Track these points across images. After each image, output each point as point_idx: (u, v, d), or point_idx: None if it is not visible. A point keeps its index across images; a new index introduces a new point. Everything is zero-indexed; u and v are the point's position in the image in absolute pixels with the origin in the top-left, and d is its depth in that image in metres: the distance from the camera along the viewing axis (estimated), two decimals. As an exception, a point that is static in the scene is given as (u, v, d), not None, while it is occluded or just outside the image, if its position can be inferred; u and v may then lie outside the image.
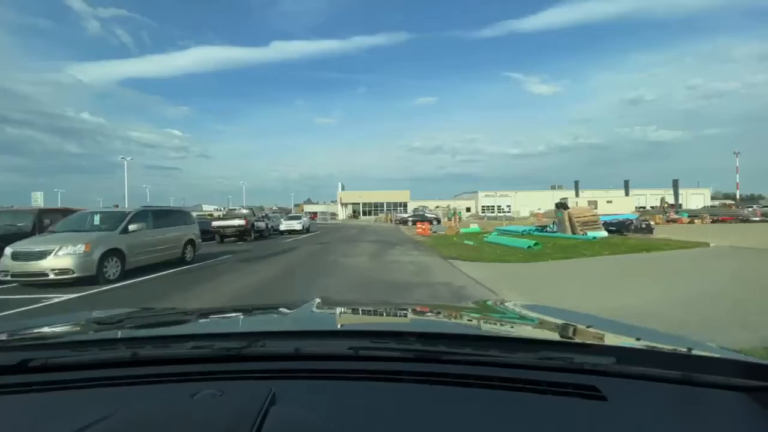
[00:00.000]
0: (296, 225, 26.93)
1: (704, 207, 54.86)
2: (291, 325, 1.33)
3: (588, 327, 1.19)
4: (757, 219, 31.95)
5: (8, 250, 7.62)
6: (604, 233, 14.32)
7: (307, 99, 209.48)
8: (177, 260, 10.66)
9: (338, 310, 1.66)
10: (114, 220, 9.02)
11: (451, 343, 0.89)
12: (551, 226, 19.64)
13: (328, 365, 0.81)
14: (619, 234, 16.45)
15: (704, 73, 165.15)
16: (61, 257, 7.50)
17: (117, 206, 16.12)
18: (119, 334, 1.19)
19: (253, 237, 20.95)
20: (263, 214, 24.65)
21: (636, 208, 51.89)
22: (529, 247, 12.42)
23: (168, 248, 10.25)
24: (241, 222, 20.05)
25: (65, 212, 11.03)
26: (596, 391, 0.69)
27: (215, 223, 20.40)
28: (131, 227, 8.86)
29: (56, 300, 6.59)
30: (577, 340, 1.08)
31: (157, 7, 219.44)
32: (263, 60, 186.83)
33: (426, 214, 45.14)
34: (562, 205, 17.25)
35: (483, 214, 62.68)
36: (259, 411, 0.59)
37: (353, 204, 69.30)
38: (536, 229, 19.44)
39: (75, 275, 7.50)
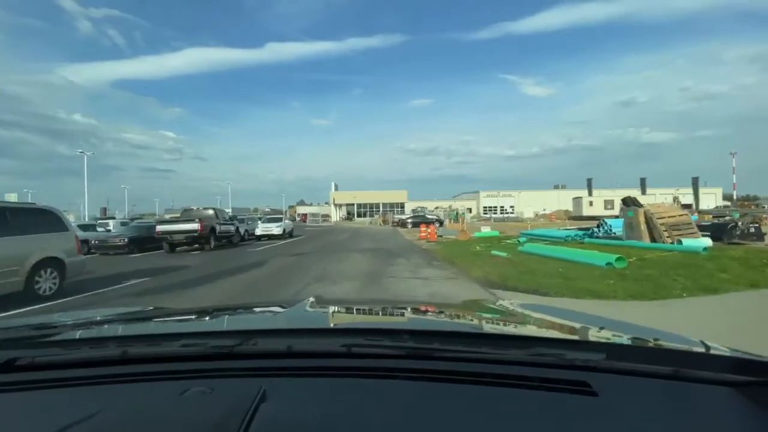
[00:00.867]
0: (275, 229, 22.32)
1: (716, 207, 51.15)
2: (284, 323, 1.32)
3: (579, 324, 1.18)
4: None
5: None
6: (706, 241, 9.86)
7: (302, 101, 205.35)
8: (18, 295, 6.13)
9: (332, 308, 1.60)
10: None
11: (444, 340, 0.89)
12: (597, 229, 15.23)
13: (321, 363, 0.80)
14: (718, 242, 11.00)
15: (696, 76, 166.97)
16: None
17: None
18: (109, 332, 1.19)
19: (214, 245, 16.38)
20: (232, 216, 19.97)
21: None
22: (608, 264, 7.98)
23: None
24: (194, 226, 15.44)
25: None
26: (587, 387, 0.68)
27: (160, 228, 15.77)
28: None
29: None
30: (569, 336, 1.08)
31: (149, 7, 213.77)
32: (258, 61, 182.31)
33: (427, 216, 40.79)
34: (632, 202, 12.68)
35: (485, 215, 58.66)
36: (248, 408, 0.59)
37: (347, 205, 64.42)
38: (585, 233, 14.99)
39: None
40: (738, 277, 6.51)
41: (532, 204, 64.93)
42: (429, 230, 19.16)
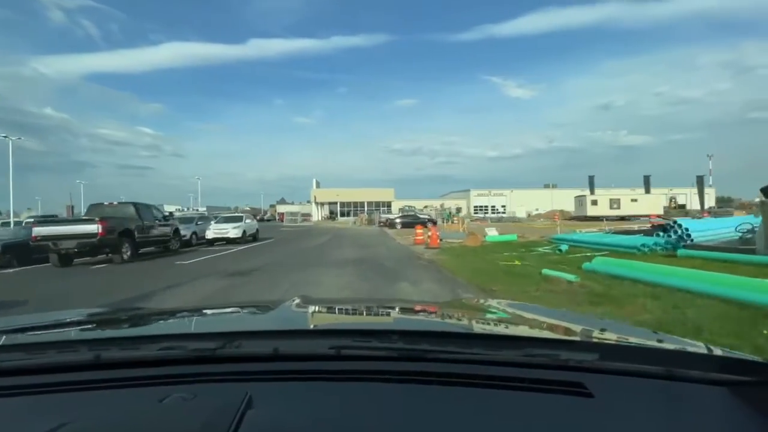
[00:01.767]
0: (231, 231, 17.47)
1: (710, 208, 48.72)
2: (269, 324, 1.26)
3: (571, 324, 1.17)
4: None
5: None
6: None
7: (286, 98, 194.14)
8: None
9: (319, 308, 1.54)
10: None
11: (436, 341, 0.88)
12: (667, 234, 11.05)
13: (308, 366, 0.77)
14: None
15: (671, 81, 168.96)
16: None
17: None
18: (79, 334, 1.14)
19: (130, 253, 11.56)
20: (166, 215, 14.99)
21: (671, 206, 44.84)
22: None
23: None
24: (91, 228, 10.53)
25: None
26: (582, 388, 0.67)
27: (39, 232, 10.71)
28: None
29: None
30: (561, 336, 1.06)
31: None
32: (241, 58, 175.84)
33: (419, 215, 36.44)
34: (771, 192, 8.53)
35: (476, 215, 54.97)
36: (234, 415, 0.56)
37: (330, 203, 59.33)
38: (653, 240, 10.71)
39: None
40: None
41: (524, 203, 62.23)
42: (430, 233, 14.73)
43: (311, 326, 1.26)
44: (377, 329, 1.03)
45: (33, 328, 1.14)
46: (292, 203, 76.96)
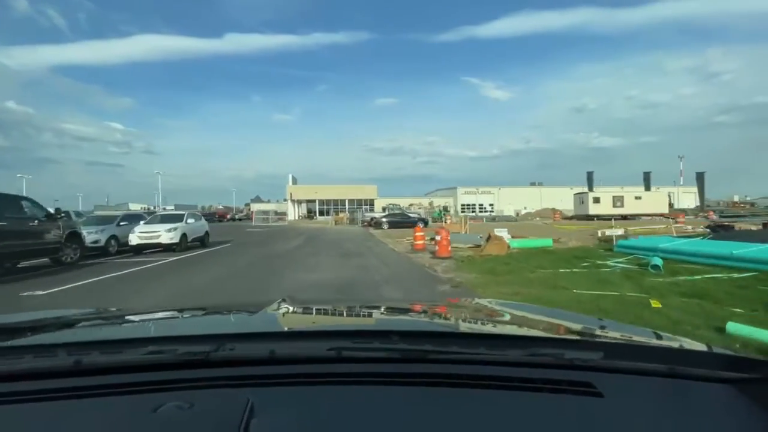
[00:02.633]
0: (164, 235, 12.67)
1: (696, 207, 46.90)
2: (264, 325, 1.20)
3: (574, 324, 1.16)
4: None
5: None
6: None
7: (264, 95, 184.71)
8: None
9: (314, 308, 1.51)
10: None
11: (438, 341, 0.86)
12: None
13: (308, 369, 0.74)
14: None
15: (641, 85, 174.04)
16: None
17: None
18: (58, 337, 1.04)
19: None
20: (58, 213, 10.14)
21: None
22: None
23: None
24: None
25: None
26: (592, 388, 0.67)
27: None
28: None
29: None
30: (566, 336, 1.06)
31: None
32: (217, 52, 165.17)
33: (409, 214, 32.33)
34: None
35: (463, 213, 51.44)
36: (239, 425, 0.53)
37: (308, 201, 54.38)
38: None
39: None
40: None
41: (512, 201, 59.37)
42: (440, 238, 10.53)
43: (308, 327, 1.20)
44: (377, 330, 1.01)
45: (5, 331, 1.07)
46: (268, 201, 71.34)
